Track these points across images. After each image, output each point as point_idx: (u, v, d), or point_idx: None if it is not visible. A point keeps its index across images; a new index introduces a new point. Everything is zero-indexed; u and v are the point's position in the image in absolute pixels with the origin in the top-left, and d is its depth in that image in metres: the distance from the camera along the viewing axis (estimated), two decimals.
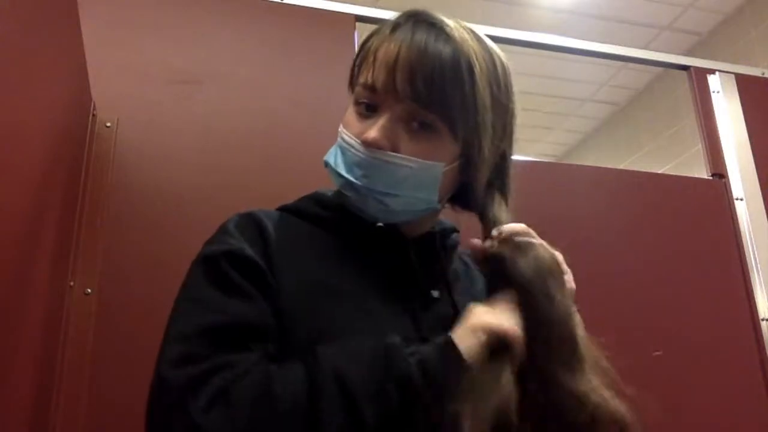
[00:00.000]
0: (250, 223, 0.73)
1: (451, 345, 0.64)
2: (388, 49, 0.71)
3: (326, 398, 0.59)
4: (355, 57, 0.77)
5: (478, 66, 0.71)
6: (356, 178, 0.71)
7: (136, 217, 1.28)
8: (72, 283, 1.19)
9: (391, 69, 0.70)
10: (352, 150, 0.72)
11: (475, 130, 0.72)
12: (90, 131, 1.28)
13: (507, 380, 0.62)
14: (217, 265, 0.67)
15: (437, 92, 0.69)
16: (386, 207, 0.72)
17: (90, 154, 1.27)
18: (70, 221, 1.17)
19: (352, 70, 0.77)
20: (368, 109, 0.72)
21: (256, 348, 0.64)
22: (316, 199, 0.80)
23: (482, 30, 0.76)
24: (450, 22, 0.74)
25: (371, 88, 0.72)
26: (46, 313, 1.00)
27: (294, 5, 1.55)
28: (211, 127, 1.38)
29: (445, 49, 0.70)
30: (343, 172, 0.72)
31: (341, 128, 0.75)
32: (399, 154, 0.70)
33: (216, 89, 1.42)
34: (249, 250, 0.69)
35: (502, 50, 0.77)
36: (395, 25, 0.73)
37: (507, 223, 0.74)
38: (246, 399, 0.58)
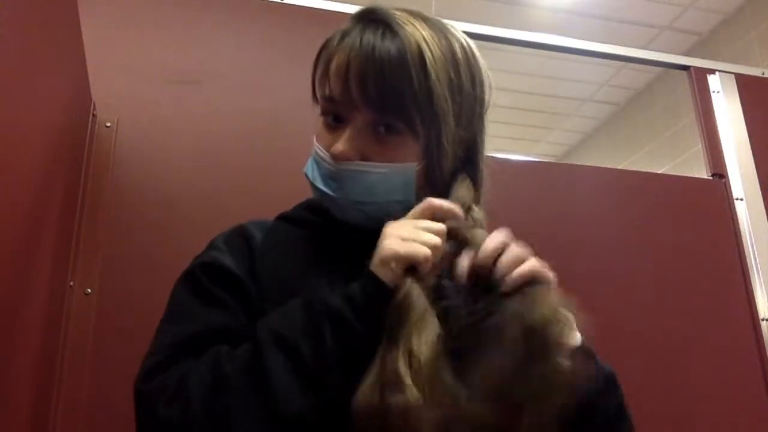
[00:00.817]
0: (238, 235, 0.76)
1: (371, 275, 0.63)
2: (339, 59, 0.71)
3: (267, 354, 0.60)
4: (312, 70, 0.76)
5: (429, 54, 0.70)
6: (332, 191, 0.72)
7: (136, 217, 1.28)
8: (72, 283, 1.19)
9: (344, 79, 0.70)
10: (325, 163, 0.72)
11: (432, 121, 0.70)
12: (90, 131, 1.28)
13: (423, 303, 0.61)
14: (192, 276, 0.71)
15: (389, 95, 0.69)
16: (365, 214, 0.72)
17: (90, 154, 1.27)
18: (70, 221, 1.17)
19: (313, 83, 0.77)
20: (336, 120, 0.73)
21: None
22: (307, 204, 0.81)
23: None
24: (398, 14, 0.72)
25: (331, 100, 0.72)
26: (46, 313, 1.00)
27: (294, 5, 1.55)
28: (211, 127, 1.38)
29: (392, 47, 0.69)
30: (320, 185, 0.73)
31: (314, 140, 0.75)
32: (369, 163, 0.71)
33: (216, 89, 1.42)
34: (226, 260, 0.71)
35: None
36: (344, 33, 0.73)
37: (468, 200, 0.71)
38: (199, 386, 0.60)
